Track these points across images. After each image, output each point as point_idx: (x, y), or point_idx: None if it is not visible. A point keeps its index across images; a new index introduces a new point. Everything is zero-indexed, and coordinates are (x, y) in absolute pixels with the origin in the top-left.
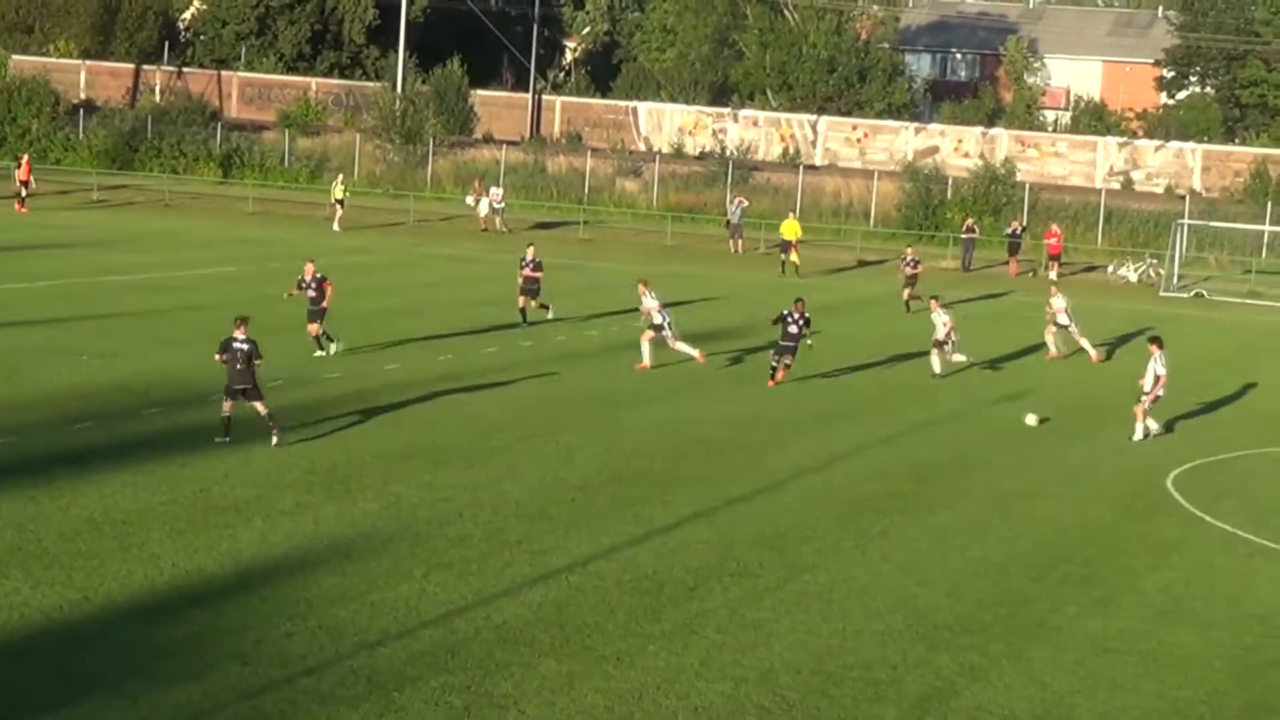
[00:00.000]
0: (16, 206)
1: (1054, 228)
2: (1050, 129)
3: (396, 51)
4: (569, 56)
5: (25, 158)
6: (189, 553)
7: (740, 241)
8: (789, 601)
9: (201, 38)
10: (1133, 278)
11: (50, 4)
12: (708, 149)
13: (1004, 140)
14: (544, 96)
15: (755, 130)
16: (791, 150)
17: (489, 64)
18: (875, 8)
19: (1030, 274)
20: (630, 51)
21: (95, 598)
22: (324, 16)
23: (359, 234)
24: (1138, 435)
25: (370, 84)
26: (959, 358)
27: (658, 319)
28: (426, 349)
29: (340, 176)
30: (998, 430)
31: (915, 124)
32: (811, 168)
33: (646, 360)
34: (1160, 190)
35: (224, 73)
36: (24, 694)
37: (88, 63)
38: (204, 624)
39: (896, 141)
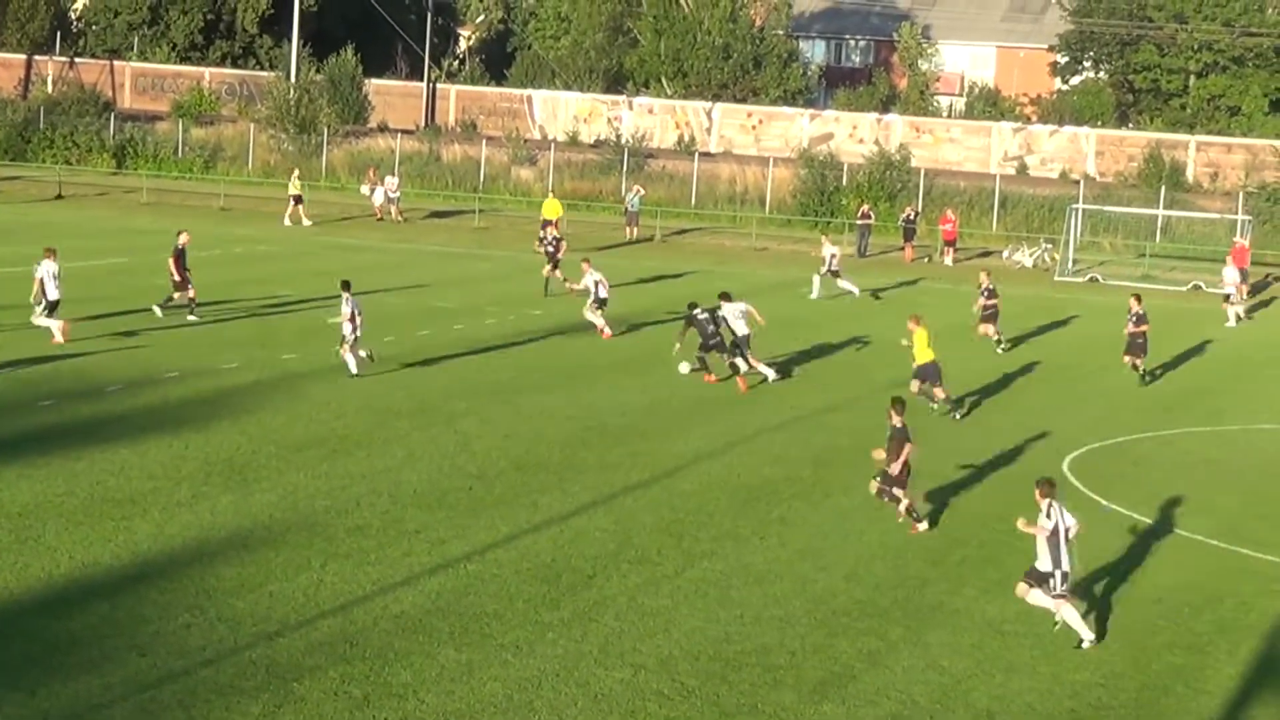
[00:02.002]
0: None
1: (949, 213)
2: (945, 115)
3: (290, 41)
4: (463, 45)
5: None
6: (86, 545)
7: (635, 229)
8: (687, 589)
9: (94, 28)
10: (1028, 263)
11: None
12: (603, 137)
13: (899, 126)
14: (438, 85)
15: (650, 118)
16: (687, 138)
17: (383, 53)
18: None
19: (926, 259)
20: (525, 39)
21: None
22: (216, 6)
23: (254, 224)
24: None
25: (264, 74)
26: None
27: None
28: (322, 339)
29: (296, 172)
30: None
31: (810, 110)
32: (707, 155)
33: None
34: (1055, 175)
35: (116, 63)
36: None
37: None
38: (101, 616)
39: (791, 128)
